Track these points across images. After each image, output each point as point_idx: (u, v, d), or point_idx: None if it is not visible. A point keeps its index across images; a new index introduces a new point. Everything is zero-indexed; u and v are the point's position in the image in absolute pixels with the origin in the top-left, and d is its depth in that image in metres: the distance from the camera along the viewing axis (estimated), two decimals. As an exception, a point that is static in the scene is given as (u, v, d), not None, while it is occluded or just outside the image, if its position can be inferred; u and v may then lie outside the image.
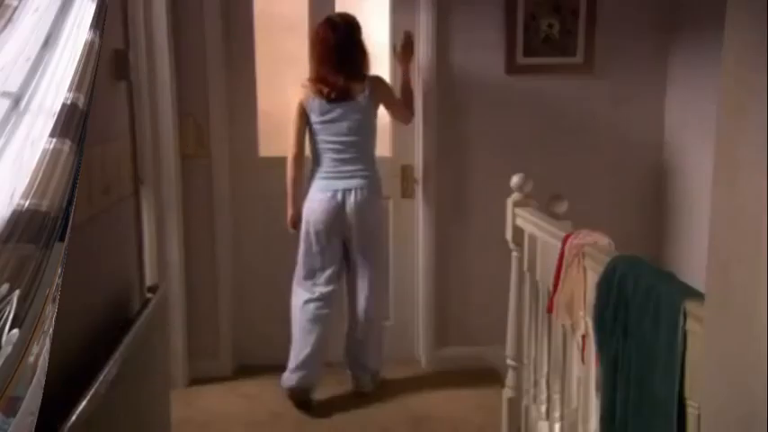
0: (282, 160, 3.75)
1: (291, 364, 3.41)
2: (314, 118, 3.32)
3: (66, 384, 1.65)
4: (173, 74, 3.41)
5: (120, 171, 2.25)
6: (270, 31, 3.70)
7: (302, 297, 3.43)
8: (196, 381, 3.64)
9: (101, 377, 1.68)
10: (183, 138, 3.52)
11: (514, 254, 2.82)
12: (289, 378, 3.41)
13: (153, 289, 2.44)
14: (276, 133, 3.79)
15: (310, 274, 3.42)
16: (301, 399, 3.40)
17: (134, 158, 2.43)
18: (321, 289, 3.40)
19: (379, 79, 3.41)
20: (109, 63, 2.16)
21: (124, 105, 2.35)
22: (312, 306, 3.40)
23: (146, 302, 2.30)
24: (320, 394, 3.49)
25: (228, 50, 3.60)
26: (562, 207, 2.61)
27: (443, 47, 3.61)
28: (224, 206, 3.66)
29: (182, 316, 3.58)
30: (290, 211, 3.43)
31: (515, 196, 2.79)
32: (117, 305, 2.20)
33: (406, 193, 3.76)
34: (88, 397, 1.58)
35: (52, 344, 1.63)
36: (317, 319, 3.40)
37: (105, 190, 2.04)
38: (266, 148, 3.75)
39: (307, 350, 3.38)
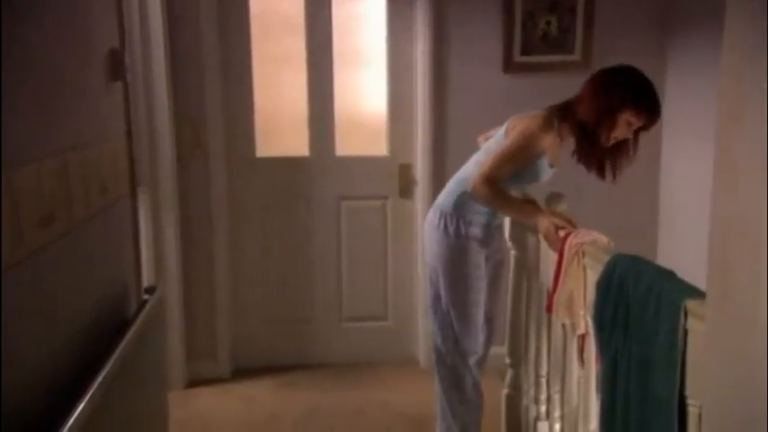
0: (280, 160, 3.75)
1: None
2: None
3: (63, 386, 1.64)
4: (169, 74, 3.40)
5: (117, 172, 2.23)
6: (266, 30, 3.69)
7: None
8: (194, 382, 3.63)
9: (98, 379, 1.67)
10: (179, 138, 3.51)
11: (513, 253, 2.81)
12: None
13: (150, 290, 2.43)
14: (273, 133, 3.78)
15: None
16: None
17: (130, 159, 2.42)
18: None
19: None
20: (104, 63, 2.15)
21: (120, 106, 2.34)
22: None
23: (143, 304, 2.29)
24: (320, 396, 3.48)
25: (225, 50, 3.59)
26: (561, 206, 2.61)
27: (441, 45, 3.60)
28: (221, 206, 3.65)
29: (179, 317, 3.57)
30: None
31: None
32: (114, 306, 2.19)
33: (404, 192, 3.75)
34: (86, 399, 1.57)
35: (50, 346, 1.62)
36: None
37: (102, 191, 2.03)
38: (263, 149, 3.74)
39: None
